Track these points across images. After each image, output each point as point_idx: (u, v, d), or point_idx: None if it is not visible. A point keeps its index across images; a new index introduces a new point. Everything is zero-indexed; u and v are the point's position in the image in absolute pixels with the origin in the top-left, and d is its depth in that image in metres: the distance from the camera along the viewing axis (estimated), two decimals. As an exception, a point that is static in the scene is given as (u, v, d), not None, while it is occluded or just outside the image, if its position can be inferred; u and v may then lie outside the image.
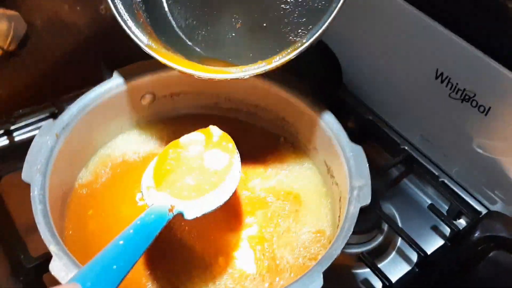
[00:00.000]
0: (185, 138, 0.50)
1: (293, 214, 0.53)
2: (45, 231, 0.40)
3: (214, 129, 0.51)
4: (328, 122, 0.53)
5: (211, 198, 0.45)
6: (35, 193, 0.42)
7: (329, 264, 0.39)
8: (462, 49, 0.62)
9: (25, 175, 0.44)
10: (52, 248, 0.39)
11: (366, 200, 0.44)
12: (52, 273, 0.38)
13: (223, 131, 0.51)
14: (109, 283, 0.30)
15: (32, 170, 0.44)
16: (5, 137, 0.74)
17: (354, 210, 0.43)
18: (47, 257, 0.40)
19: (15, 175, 0.47)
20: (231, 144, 0.50)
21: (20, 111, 0.75)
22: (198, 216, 0.44)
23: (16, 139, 0.74)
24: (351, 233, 0.42)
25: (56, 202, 0.47)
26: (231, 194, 0.46)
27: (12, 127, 0.74)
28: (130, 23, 0.50)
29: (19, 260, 0.59)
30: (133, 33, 0.49)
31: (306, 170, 0.57)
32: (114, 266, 0.31)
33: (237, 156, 0.49)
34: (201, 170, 0.47)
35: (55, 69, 0.86)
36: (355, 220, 0.42)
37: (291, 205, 0.54)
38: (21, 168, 0.45)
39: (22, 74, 0.85)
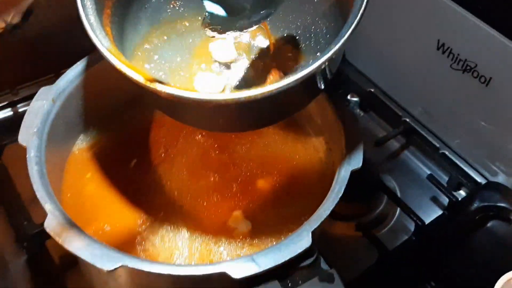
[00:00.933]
0: None
1: (289, 179, 0.54)
2: (40, 190, 0.41)
3: None
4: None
5: None
6: (31, 154, 0.43)
7: (318, 224, 0.40)
8: (463, 19, 0.62)
9: (22, 138, 0.45)
10: (47, 207, 0.40)
11: (358, 163, 0.44)
12: (47, 230, 0.39)
13: None
14: None
15: (28, 133, 0.45)
16: (9, 108, 0.76)
17: (345, 173, 0.44)
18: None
19: (18, 146, 0.48)
20: None
21: (24, 83, 0.76)
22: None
23: (20, 110, 0.76)
24: (341, 194, 0.42)
25: (54, 167, 0.48)
26: None
27: (16, 99, 0.75)
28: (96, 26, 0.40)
29: (23, 227, 0.61)
30: (94, 32, 0.40)
31: (303, 138, 0.58)
32: None
33: None
34: None
35: (58, 42, 0.87)
36: (345, 183, 0.43)
37: (287, 170, 0.54)
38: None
39: (26, 47, 0.86)
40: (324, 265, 0.38)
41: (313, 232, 0.39)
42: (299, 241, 0.38)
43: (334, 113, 0.50)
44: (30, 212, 0.64)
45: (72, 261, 0.59)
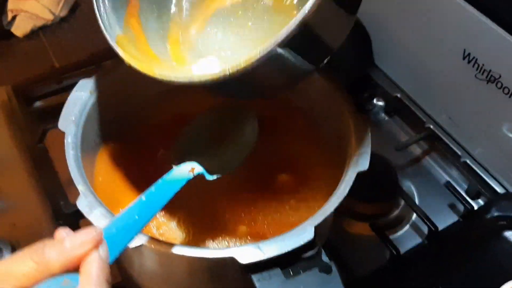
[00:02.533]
0: None
1: (302, 179, 0.56)
2: (75, 173, 0.45)
3: None
4: (340, 93, 0.56)
5: (230, 159, 0.49)
6: (68, 140, 0.48)
7: (321, 220, 0.43)
8: (489, 30, 0.63)
9: (61, 124, 0.49)
10: (80, 187, 0.45)
11: (364, 166, 0.47)
12: (79, 208, 0.44)
13: None
14: (131, 230, 0.37)
15: (67, 120, 0.50)
16: (53, 96, 0.81)
17: (352, 174, 0.46)
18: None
19: (59, 131, 0.52)
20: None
21: (67, 73, 0.82)
22: (219, 176, 0.47)
23: (62, 98, 0.81)
24: (345, 194, 0.45)
25: (88, 152, 0.53)
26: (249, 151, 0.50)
27: (59, 87, 0.81)
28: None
29: (60, 206, 0.66)
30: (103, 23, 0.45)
31: (316, 140, 0.60)
32: (136, 217, 0.37)
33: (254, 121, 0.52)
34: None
35: (102, 35, 0.92)
36: (351, 183, 0.45)
37: (301, 171, 0.57)
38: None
39: (72, 39, 0.92)
40: (324, 258, 0.41)
41: (316, 227, 0.42)
42: (302, 234, 0.41)
43: (349, 117, 0.53)
44: (66, 193, 0.69)
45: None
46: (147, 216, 0.38)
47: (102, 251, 0.32)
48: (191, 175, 0.45)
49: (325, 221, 0.43)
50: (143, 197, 0.39)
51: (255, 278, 0.40)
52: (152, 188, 0.42)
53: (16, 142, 0.75)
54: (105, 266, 0.31)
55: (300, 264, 0.41)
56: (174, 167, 0.46)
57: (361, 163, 0.46)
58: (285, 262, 0.41)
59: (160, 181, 0.43)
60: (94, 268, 0.31)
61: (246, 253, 0.40)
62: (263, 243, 0.41)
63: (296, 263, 0.41)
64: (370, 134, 0.49)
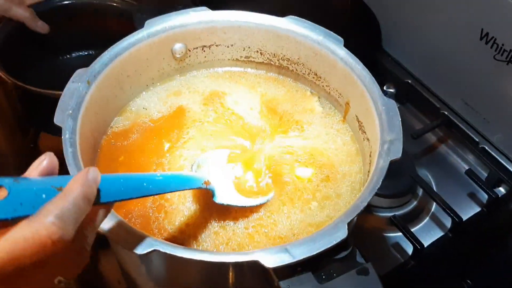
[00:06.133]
0: None
1: (322, 173, 0.52)
2: (74, 172, 0.41)
3: None
4: (360, 74, 0.51)
5: (243, 200, 0.48)
6: (66, 136, 0.43)
7: (355, 215, 0.38)
8: (509, 7, 0.59)
9: (57, 119, 0.45)
10: (81, 189, 0.40)
11: (397, 154, 0.42)
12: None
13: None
14: (134, 190, 0.36)
15: (64, 114, 0.45)
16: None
17: (384, 164, 0.42)
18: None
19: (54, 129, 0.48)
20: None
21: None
22: (224, 204, 0.46)
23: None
24: (379, 186, 0.41)
25: (88, 148, 0.48)
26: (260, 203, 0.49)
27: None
28: None
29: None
30: None
31: (337, 127, 0.56)
32: (145, 183, 0.37)
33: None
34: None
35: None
36: (384, 173, 0.41)
37: (320, 164, 0.52)
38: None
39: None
40: (359, 258, 0.37)
41: (349, 224, 0.37)
42: (335, 233, 0.37)
43: (373, 102, 0.49)
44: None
45: (103, 243, 0.59)
46: (152, 190, 0.38)
47: (91, 171, 0.33)
48: (203, 186, 0.45)
49: (357, 216, 0.38)
50: (158, 173, 0.41)
51: (283, 285, 0.35)
52: (168, 173, 0.44)
53: (7, 143, 0.71)
54: (90, 184, 0.33)
55: (333, 266, 0.36)
56: (194, 169, 0.47)
57: (393, 150, 0.42)
58: (317, 265, 0.36)
59: (177, 173, 0.46)
60: (76, 183, 0.32)
61: (273, 256, 0.36)
62: (291, 245, 0.36)
63: (329, 265, 0.36)
64: (400, 118, 0.45)
